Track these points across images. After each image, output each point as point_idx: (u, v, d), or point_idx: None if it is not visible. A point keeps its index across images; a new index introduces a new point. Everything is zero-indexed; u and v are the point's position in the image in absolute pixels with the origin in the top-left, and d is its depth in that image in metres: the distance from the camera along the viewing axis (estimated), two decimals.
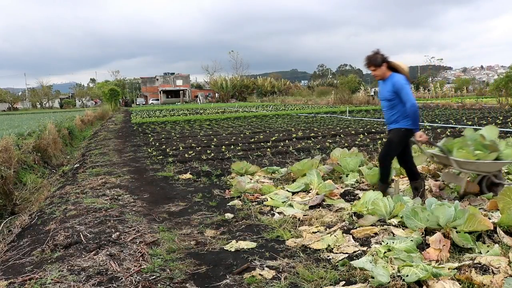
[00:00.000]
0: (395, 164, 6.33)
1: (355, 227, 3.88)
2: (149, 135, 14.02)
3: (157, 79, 78.86)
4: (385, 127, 14.22)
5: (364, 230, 3.71)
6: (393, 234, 3.58)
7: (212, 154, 8.82)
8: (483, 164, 4.51)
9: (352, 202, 4.68)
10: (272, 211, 4.60)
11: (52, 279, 3.00)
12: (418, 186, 4.66)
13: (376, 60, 4.34)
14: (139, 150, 10.30)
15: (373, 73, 4.44)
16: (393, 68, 4.43)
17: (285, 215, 4.35)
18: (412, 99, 4.23)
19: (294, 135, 11.89)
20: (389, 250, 3.15)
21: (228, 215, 4.51)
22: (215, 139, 11.91)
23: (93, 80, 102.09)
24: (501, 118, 15.93)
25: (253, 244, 3.60)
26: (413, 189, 4.71)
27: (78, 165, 8.86)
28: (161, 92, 75.85)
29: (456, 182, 4.82)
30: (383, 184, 4.66)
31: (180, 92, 76.17)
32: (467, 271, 2.76)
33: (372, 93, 39.86)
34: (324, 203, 4.74)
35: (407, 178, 5.70)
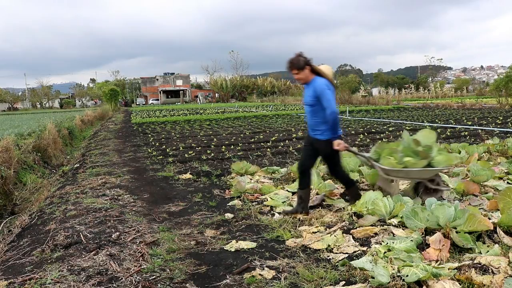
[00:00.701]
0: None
1: (355, 227, 3.88)
2: (149, 135, 14.02)
3: (157, 79, 78.86)
4: (385, 127, 14.25)
5: (364, 230, 3.71)
6: (393, 234, 3.58)
7: (212, 154, 8.82)
8: (412, 172, 4.39)
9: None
10: (272, 211, 4.60)
11: (52, 279, 3.00)
12: (303, 195, 4.40)
13: (298, 63, 4.12)
14: (139, 150, 10.30)
15: (296, 77, 4.23)
16: (317, 72, 4.21)
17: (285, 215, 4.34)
18: (332, 106, 4.00)
19: (294, 135, 11.89)
20: (389, 250, 3.15)
21: (228, 215, 4.51)
22: (215, 139, 11.91)
23: (93, 80, 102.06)
24: (501, 118, 15.93)
25: (253, 244, 3.60)
26: (298, 198, 4.46)
27: (78, 165, 8.86)
28: (161, 92, 75.86)
29: (388, 189, 4.65)
30: (352, 186, 4.56)
31: (180, 92, 76.17)
32: (467, 271, 2.76)
33: (365, 94, 39.71)
34: (324, 203, 4.74)
35: None
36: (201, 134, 13.84)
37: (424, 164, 4.35)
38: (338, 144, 4.11)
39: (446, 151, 4.63)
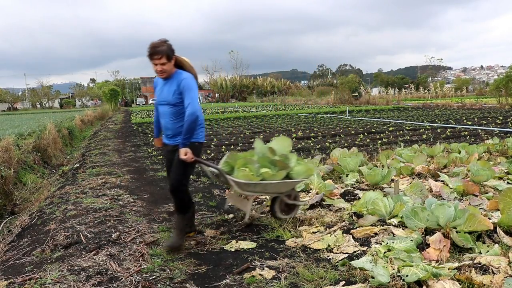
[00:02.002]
0: (395, 164, 6.34)
1: (355, 227, 3.88)
2: (149, 135, 14.01)
3: None
4: (385, 127, 14.22)
5: (364, 230, 3.71)
6: (393, 234, 3.58)
7: (212, 154, 8.82)
8: (271, 185, 3.87)
9: (352, 202, 4.68)
10: None
11: (52, 279, 3.00)
12: (180, 223, 3.62)
13: (170, 50, 3.39)
14: (139, 150, 10.30)
15: (160, 68, 3.38)
16: (179, 64, 3.57)
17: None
18: (197, 105, 3.38)
19: (294, 135, 11.88)
20: (389, 250, 3.15)
21: (228, 215, 4.51)
22: (215, 139, 11.91)
23: (93, 80, 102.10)
24: (501, 118, 15.93)
25: (253, 244, 3.60)
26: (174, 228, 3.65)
27: (78, 165, 8.86)
28: None
29: (241, 206, 4.13)
30: (186, 214, 3.66)
31: None
32: (467, 271, 2.76)
33: (356, 94, 39.23)
34: (324, 203, 4.74)
35: (407, 178, 5.72)
36: None
37: (283, 176, 3.89)
38: (185, 153, 3.35)
39: (303, 161, 4.18)
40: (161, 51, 3.33)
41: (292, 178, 4.00)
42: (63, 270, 3.15)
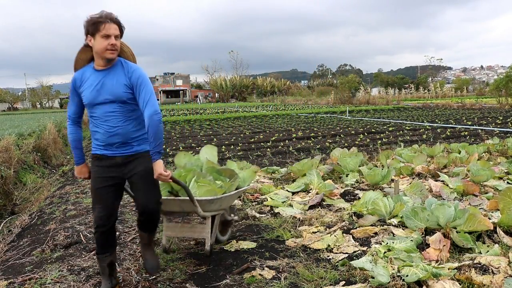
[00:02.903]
0: (395, 164, 6.34)
1: (355, 227, 3.88)
2: None
3: (157, 79, 78.86)
4: (385, 127, 14.22)
5: (364, 230, 3.71)
6: (393, 234, 3.58)
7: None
8: (227, 198, 3.31)
9: (352, 202, 4.68)
10: (272, 211, 4.60)
11: (52, 279, 3.00)
12: (152, 241, 2.93)
13: (122, 26, 2.63)
14: None
15: (116, 44, 2.56)
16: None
17: (285, 215, 4.34)
18: (156, 104, 2.63)
19: (294, 135, 11.89)
20: (389, 250, 3.15)
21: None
22: (215, 139, 11.91)
23: None
24: (501, 118, 15.93)
25: (253, 244, 3.60)
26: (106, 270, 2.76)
27: None
28: (161, 92, 75.80)
29: (193, 234, 3.30)
30: (152, 234, 2.92)
31: (180, 92, 76.14)
32: (467, 271, 2.76)
33: (349, 94, 36.74)
34: (324, 203, 4.74)
35: (407, 178, 5.72)
36: (201, 134, 13.84)
37: (236, 186, 3.43)
38: (160, 167, 2.60)
39: (242, 165, 3.91)
40: (118, 21, 2.59)
41: (240, 187, 3.56)
42: (63, 270, 3.15)
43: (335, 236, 3.61)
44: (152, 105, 2.60)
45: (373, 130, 13.00)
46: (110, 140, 2.68)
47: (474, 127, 12.85)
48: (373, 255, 3.07)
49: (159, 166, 2.60)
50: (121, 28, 2.60)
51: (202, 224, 3.27)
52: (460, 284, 2.60)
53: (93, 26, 2.52)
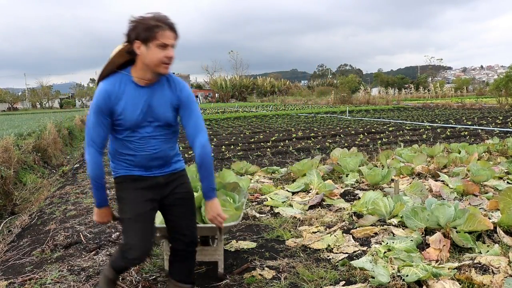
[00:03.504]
0: (395, 164, 6.34)
1: (355, 227, 3.88)
2: None
3: None
4: (385, 127, 14.22)
5: (364, 230, 3.71)
6: (393, 234, 3.58)
7: (212, 154, 8.81)
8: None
9: (352, 202, 4.68)
10: (272, 211, 4.60)
11: (52, 279, 3.00)
12: None
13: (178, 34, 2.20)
14: None
15: (171, 62, 2.15)
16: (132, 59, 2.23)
17: (285, 215, 4.34)
18: (206, 130, 2.32)
19: (294, 135, 11.89)
20: (389, 250, 3.15)
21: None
22: (215, 139, 11.91)
23: (93, 80, 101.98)
24: (501, 118, 15.93)
25: (253, 244, 3.60)
26: None
27: (78, 165, 8.86)
28: None
29: (205, 257, 3.01)
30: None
31: None
32: (467, 271, 2.76)
33: (345, 94, 36.07)
34: (324, 203, 4.74)
35: (407, 178, 5.72)
36: None
37: (244, 202, 3.25)
38: (217, 207, 2.32)
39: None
40: (176, 28, 2.16)
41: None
42: (63, 270, 3.15)
43: (335, 236, 3.61)
44: (205, 133, 2.27)
45: (373, 130, 13.00)
46: (149, 163, 2.29)
47: (474, 127, 12.85)
48: (373, 255, 3.07)
49: (216, 206, 2.30)
50: (177, 37, 2.17)
51: (213, 246, 3.09)
52: (460, 284, 2.60)
53: (148, 31, 2.06)
